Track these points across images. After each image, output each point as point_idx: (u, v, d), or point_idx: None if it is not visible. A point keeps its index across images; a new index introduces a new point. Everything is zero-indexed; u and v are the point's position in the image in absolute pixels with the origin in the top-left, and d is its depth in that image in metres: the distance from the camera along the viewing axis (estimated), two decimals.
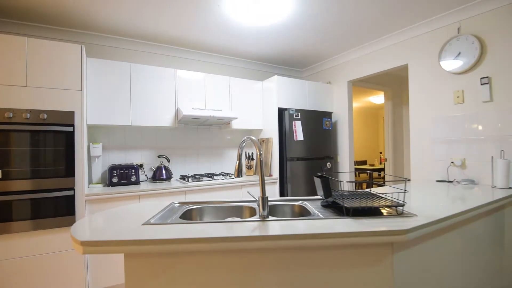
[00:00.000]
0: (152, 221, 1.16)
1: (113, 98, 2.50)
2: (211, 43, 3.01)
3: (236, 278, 1.03)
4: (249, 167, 3.30)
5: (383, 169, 5.78)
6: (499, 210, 1.85)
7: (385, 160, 4.05)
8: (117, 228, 1.07)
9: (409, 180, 1.34)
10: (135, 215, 1.28)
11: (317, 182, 1.40)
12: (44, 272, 1.97)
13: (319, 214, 1.26)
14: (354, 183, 2.60)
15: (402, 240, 1.02)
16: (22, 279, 1.91)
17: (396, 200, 1.30)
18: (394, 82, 4.12)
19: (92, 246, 0.95)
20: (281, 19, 2.49)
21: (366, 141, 7.62)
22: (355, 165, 6.99)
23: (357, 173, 6.57)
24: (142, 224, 1.12)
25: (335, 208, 1.36)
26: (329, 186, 1.33)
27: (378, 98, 6.26)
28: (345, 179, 3.37)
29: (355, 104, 7.03)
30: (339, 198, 1.33)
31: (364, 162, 7.28)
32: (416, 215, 1.19)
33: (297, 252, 1.05)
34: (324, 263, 1.06)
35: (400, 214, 1.22)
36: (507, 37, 2.09)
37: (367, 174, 6.72)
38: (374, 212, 1.24)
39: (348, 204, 1.24)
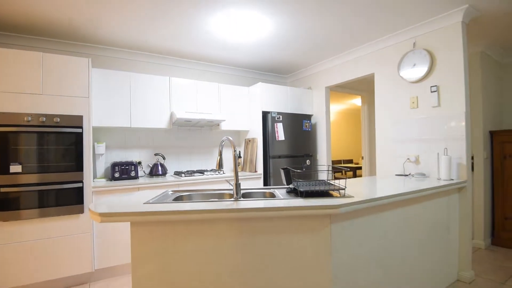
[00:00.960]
0: (151, 201, 1.52)
1: (115, 103, 2.84)
2: (202, 54, 3.38)
3: (214, 241, 1.39)
4: (237, 164, 3.66)
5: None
6: (437, 197, 2.23)
7: (362, 158, 4.45)
8: (125, 205, 1.43)
9: (347, 168, 1.70)
10: (137, 198, 1.64)
11: (282, 173, 1.77)
12: (57, 253, 2.31)
13: (281, 196, 1.63)
14: (332, 176, 2.98)
15: (336, 212, 1.39)
16: (39, 259, 2.25)
17: (338, 185, 1.67)
18: (370, 87, 4.51)
19: (107, 217, 1.30)
20: (262, 36, 2.87)
21: (352, 141, 8.02)
22: (341, 163, 7.40)
23: (343, 170, 6.96)
24: (144, 203, 1.47)
25: (296, 193, 1.73)
26: (289, 175, 1.70)
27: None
28: (323, 175, 3.74)
29: (341, 106, 7.44)
30: (298, 185, 1.70)
31: (350, 161, 7.68)
32: (353, 197, 1.57)
33: (259, 222, 1.41)
34: (280, 230, 1.42)
35: (343, 196, 1.59)
36: (451, 52, 2.48)
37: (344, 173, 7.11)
38: (324, 195, 1.61)
39: (302, 188, 1.60)
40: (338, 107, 7.50)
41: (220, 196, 1.89)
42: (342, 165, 7.13)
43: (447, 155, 2.41)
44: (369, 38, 2.99)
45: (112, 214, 1.30)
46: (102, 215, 1.30)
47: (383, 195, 1.62)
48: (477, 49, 3.16)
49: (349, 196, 1.57)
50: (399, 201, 1.85)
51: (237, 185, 1.57)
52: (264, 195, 1.88)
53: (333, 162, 7.36)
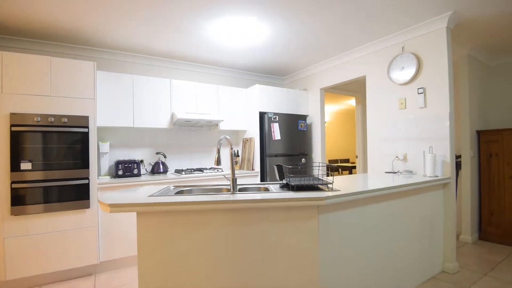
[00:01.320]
0: (155, 194, 1.66)
1: (118, 104, 2.98)
2: (201, 57, 3.52)
3: (212, 231, 1.53)
4: (235, 163, 3.81)
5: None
6: (423, 192, 2.38)
7: (357, 157, 4.60)
8: (131, 198, 1.57)
9: (334, 165, 1.85)
10: (141, 192, 1.78)
11: (275, 169, 1.91)
12: (64, 245, 2.45)
13: (274, 190, 1.77)
14: (329, 175, 3.12)
15: (323, 204, 1.53)
16: (48, 251, 2.39)
17: (326, 180, 1.81)
18: (363, 88, 4.66)
19: (116, 207, 1.44)
20: (259, 41, 3.02)
21: (350, 141, 8.16)
22: (338, 162, 7.55)
23: (339, 169, 7.11)
24: (148, 196, 1.61)
25: (288, 187, 1.87)
26: (282, 170, 1.84)
27: None
28: (316, 172, 3.89)
29: (339, 107, 7.58)
30: (290, 181, 1.84)
31: (347, 160, 7.83)
32: (339, 190, 1.71)
33: (254, 213, 1.56)
34: (273, 220, 1.57)
35: (330, 190, 1.73)
36: (436, 55, 2.63)
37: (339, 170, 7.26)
38: (313, 189, 1.75)
39: (294, 183, 1.75)
40: (336, 107, 7.65)
41: (218, 191, 2.03)
42: (339, 164, 7.27)
43: (432, 153, 2.55)
44: (360, 42, 3.14)
45: (120, 205, 1.44)
46: (112, 205, 1.44)
47: (365, 189, 1.77)
48: (464, 52, 3.31)
49: (336, 190, 1.71)
50: (383, 195, 1.99)
51: (234, 180, 1.72)
52: (259, 190, 2.03)
53: (330, 161, 7.50)
